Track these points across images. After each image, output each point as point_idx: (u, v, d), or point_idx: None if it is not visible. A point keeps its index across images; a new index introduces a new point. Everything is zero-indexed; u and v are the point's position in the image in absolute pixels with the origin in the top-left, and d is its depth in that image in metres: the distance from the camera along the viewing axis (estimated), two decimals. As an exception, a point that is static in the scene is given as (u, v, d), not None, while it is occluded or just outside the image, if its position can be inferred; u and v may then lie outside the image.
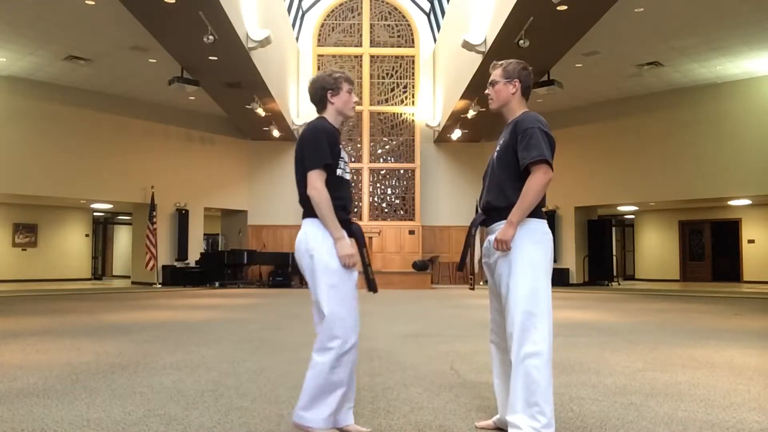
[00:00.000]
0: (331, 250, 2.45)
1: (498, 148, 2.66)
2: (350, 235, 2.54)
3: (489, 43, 10.83)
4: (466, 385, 3.56)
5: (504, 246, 2.47)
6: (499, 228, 2.54)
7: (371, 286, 2.64)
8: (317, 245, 2.45)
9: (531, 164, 2.45)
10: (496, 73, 2.68)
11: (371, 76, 17.56)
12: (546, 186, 2.45)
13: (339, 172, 2.54)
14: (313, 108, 2.67)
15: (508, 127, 2.63)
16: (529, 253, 2.47)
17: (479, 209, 2.75)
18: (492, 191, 2.61)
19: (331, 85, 2.59)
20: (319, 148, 2.47)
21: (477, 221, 2.74)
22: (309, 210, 2.50)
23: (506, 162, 2.56)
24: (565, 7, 8.75)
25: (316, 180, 2.45)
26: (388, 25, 17.86)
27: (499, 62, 2.70)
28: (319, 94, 2.60)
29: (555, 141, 2.54)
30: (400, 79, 17.73)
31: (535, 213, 2.51)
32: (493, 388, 2.72)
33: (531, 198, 2.44)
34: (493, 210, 2.61)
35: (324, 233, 2.46)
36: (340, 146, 2.60)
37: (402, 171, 17.58)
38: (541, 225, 2.53)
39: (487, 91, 2.73)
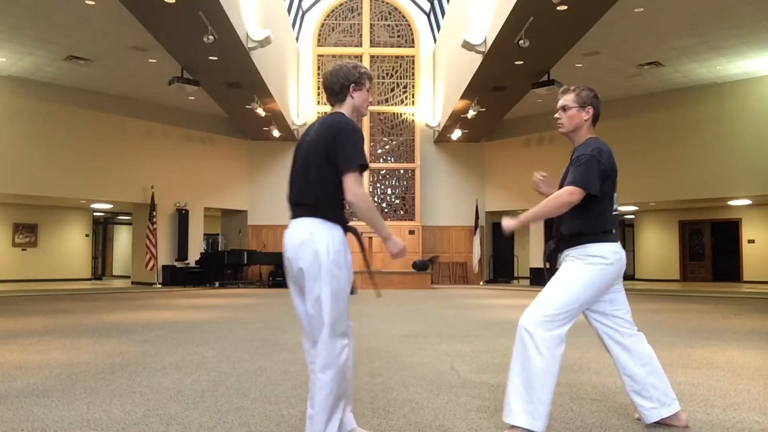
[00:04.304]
0: (339, 254, 2.27)
1: (562, 176, 2.77)
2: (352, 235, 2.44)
3: (489, 43, 10.82)
4: (466, 385, 3.56)
5: (504, 229, 2.73)
6: (571, 253, 2.65)
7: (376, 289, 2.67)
8: (326, 247, 2.25)
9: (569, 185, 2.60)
10: (568, 98, 2.77)
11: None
12: (564, 206, 2.59)
13: None
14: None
15: (575, 152, 2.75)
16: (575, 267, 2.63)
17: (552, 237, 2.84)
18: (563, 219, 2.71)
19: (356, 79, 2.42)
20: (357, 148, 2.29)
21: (547, 251, 2.86)
22: (313, 209, 2.30)
23: None
24: (565, 7, 8.75)
25: (357, 183, 2.26)
26: (388, 25, 17.86)
27: (570, 88, 2.80)
28: (341, 84, 2.42)
29: (612, 168, 2.66)
30: (400, 79, 17.73)
31: (594, 238, 2.63)
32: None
33: (544, 208, 2.61)
34: (566, 237, 2.71)
35: (332, 234, 2.28)
36: None
37: (402, 171, 17.58)
38: (596, 247, 2.63)
39: (557, 116, 2.80)
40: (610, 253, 2.61)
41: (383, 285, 15.05)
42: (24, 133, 13.79)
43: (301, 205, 2.36)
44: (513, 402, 2.48)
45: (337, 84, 2.43)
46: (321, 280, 2.25)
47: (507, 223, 2.70)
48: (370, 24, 17.71)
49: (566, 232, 2.68)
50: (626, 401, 3.15)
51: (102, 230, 22.03)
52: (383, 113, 17.56)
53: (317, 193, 2.32)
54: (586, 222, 2.64)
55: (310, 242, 2.27)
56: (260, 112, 14.05)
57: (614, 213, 2.72)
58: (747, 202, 16.55)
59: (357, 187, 2.27)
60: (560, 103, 2.78)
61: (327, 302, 2.25)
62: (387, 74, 17.69)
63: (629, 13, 10.29)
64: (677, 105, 14.77)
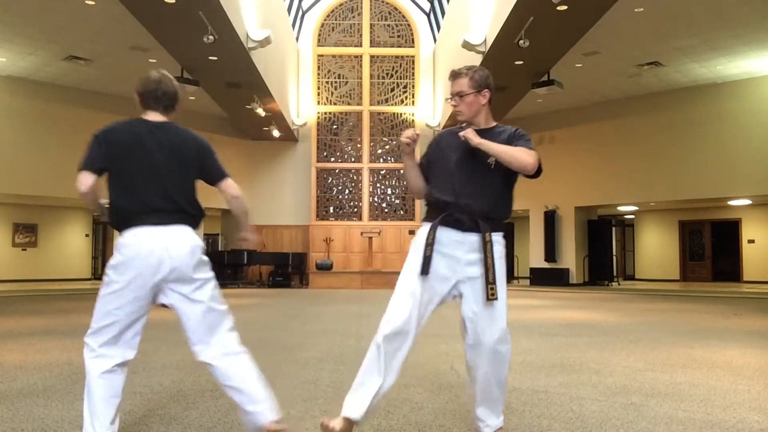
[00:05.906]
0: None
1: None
2: None
3: (489, 43, 10.82)
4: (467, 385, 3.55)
5: (468, 137, 2.39)
6: (496, 239, 2.44)
7: None
8: (203, 253, 2.41)
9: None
10: (462, 83, 2.48)
11: (371, 76, 17.54)
12: (523, 167, 2.34)
13: None
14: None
15: (498, 134, 2.47)
16: (501, 262, 2.52)
17: (458, 210, 2.44)
18: (486, 199, 2.43)
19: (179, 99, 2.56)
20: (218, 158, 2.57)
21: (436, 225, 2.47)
22: (193, 219, 2.45)
23: (504, 169, 2.40)
24: (565, 7, 8.74)
25: (236, 184, 2.56)
26: (388, 25, 17.86)
27: (463, 72, 2.50)
28: (178, 98, 2.53)
29: None
30: (400, 79, 17.72)
31: (504, 225, 2.52)
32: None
33: (508, 151, 2.35)
34: (490, 219, 2.43)
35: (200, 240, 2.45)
36: None
37: (402, 171, 17.54)
38: (501, 237, 2.52)
39: (453, 103, 2.52)
40: None
41: (384, 285, 15.03)
42: (24, 133, 13.78)
43: (183, 213, 2.41)
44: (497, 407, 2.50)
45: (176, 97, 2.54)
46: (211, 282, 2.41)
47: (473, 136, 2.37)
48: (370, 24, 17.70)
49: (486, 209, 2.41)
50: (626, 401, 3.15)
51: (102, 230, 21.99)
52: (383, 113, 17.56)
53: (195, 203, 2.48)
54: (507, 205, 2.52)
55: (195, 251, 2.36)
56: (260, 112, 14.04)
57: None
58: (747, 202, 16.56)
59: (238, 187, 2.58)
60: (454, 89, 2.49)
61: (218, 295, 2.43)
62: (387, 74, 17.68)
63: (629, 13, 10.29)
64: (677, 105, 14.77)
